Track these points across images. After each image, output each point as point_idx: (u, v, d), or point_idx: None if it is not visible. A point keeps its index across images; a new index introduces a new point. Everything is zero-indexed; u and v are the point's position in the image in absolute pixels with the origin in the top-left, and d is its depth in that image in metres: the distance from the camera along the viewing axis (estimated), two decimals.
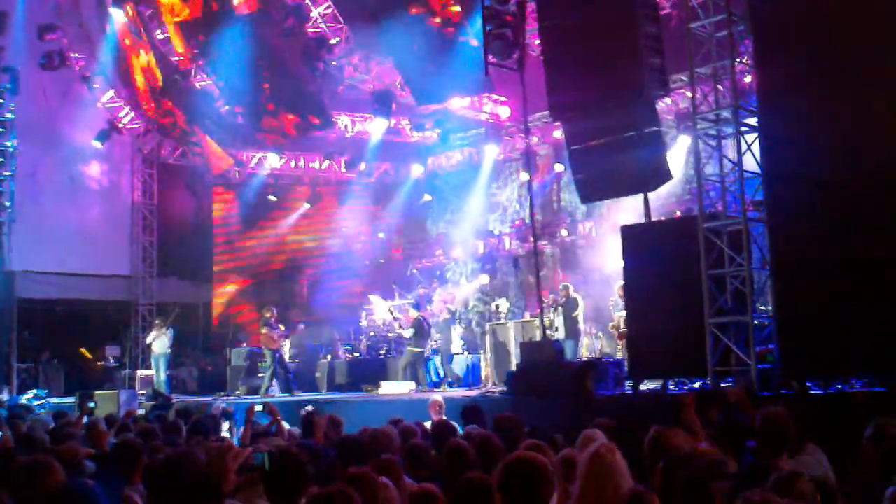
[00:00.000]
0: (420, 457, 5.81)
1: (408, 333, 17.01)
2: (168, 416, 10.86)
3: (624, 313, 13.41)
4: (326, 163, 24.15)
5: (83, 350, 21.54)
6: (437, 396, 10.66)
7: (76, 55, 20.55)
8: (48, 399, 17.33)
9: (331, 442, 6.91)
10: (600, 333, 17.09)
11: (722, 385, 10.33)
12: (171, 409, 12.69)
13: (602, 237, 19.27)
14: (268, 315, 18.11)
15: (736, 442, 5.83)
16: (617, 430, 6.11)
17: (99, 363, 21.20)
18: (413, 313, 17.56)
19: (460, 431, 7.28)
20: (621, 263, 12.66)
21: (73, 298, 21.42)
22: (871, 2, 9.82)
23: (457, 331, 18.63)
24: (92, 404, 11.33)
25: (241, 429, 8.43)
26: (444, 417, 9.21)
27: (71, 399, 16.83)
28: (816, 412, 8.34)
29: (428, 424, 8.02)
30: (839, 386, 9.51)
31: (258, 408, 8.42)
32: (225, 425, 10.53)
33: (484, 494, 4.17)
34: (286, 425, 8.39)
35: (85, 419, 9.79)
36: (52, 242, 20.46)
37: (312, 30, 19.55)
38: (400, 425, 7.20)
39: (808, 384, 9.60)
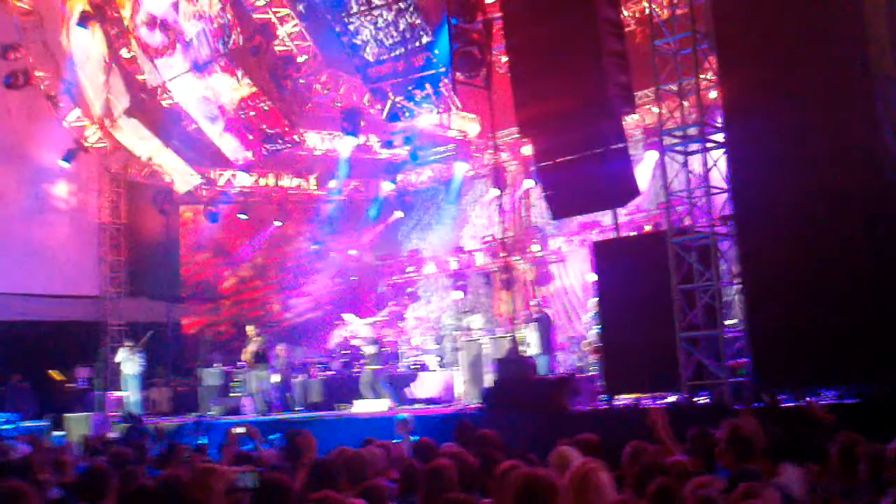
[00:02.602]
0: (413, 477, 5.78)
1: (370, 350, 17.06)
2: (141, 440, 10.75)
3: (596, 328, 13.50)
4: (296, 180, 24.12)
5: (52, 372, 21.24)
6: (405, 415, 10.55)
7: (41, 74, 20.41)
8: (19, 423, 17.13)
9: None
10: (574, 348, 17.17)
11: (693, 399, 10.47)
12: (148, 431, 12.57)
13: (573, 252, 19.39)
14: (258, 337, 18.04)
15: (710, 455, 5.91)
16: (598, 445, 6.15)
17: (69, 385, 20.94)
18: (370, 332, 17.64)
19: None
20: (593, 278, 12.77)
21: (41, 320, 21.15)
22: (832, 15, 9.98)
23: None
24: (57, 433, 11.20)
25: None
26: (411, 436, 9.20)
27: (42, 422, 16.67)
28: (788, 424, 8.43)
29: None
30: (810, 398, 9.63)
31: (239, 430, 8.34)
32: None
33: None
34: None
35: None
36: (19, 263, 20.24)
37: (280, 48, 19.53)
38: (376, 445, 7.15)
39: (779, 396, 9.72)
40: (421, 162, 22.52)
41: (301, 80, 20.16)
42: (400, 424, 9.84)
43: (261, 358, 17.64)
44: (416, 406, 16.22)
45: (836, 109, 9.76)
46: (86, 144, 21.43)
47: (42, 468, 7.18)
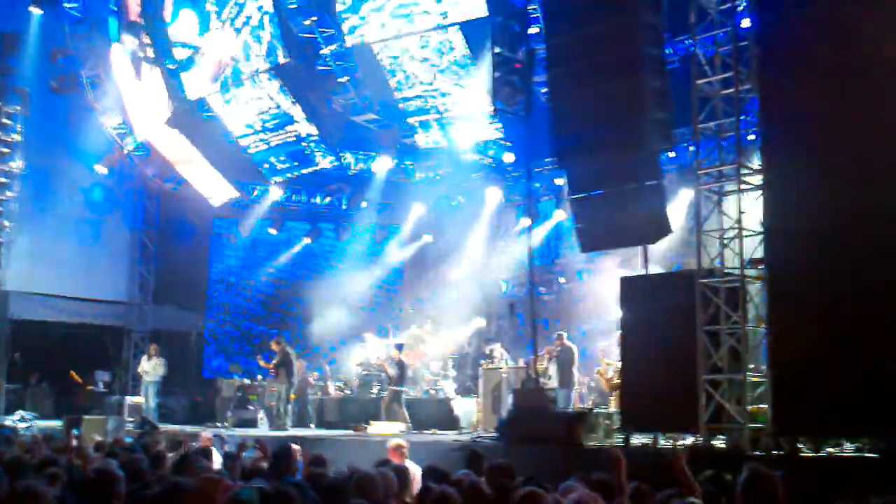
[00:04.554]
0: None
1: (392, 371, 17.02)
2: (154, 446, 10.73)
3: (618, 364, 13.35)
4: (328, 198, 24.20)
5: (73, 373, 21.39)
6: (399, 440, 9.79)
7: (86, 80, 20.69)
8: (35, 421, 17.23)
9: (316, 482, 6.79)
10: (594, 383, 17.00)
11: (712, 442, 10.31)
12: (161, 437, 12.56)
13: (600, 287, 19.23)
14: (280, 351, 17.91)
15: (722, 500, 5.78)
16: (611, 487, 6.01)
17: (88, 387, 21.06)
18: (395, 353, 17.58)
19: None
20: (619, 314, 12.65)
21: (66, 321, 21.32)
22: (876, 58, 9.82)
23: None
24: (76, 431, 11.19)
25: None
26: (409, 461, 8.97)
27: (59, 422, 16.73)
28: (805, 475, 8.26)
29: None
30: (830, 449, 9.44)
31: (249, 443, 8.31)
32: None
33: None
34: None
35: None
36: (51, 265, 20.45)
37: (321, 67, 19.64)
38: (392, 467, 7.04)
39: (798, 445, 9.54)
40: (454, 187, 22.54)
41: (340, 100, 20.25)
42: (394, 450, 9.38)
43: (281, 372, 17.59)
44: (430, 431, 16.09)
45: (878, 159, 9.60)
46: (125, 152, 21.67)
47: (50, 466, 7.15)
